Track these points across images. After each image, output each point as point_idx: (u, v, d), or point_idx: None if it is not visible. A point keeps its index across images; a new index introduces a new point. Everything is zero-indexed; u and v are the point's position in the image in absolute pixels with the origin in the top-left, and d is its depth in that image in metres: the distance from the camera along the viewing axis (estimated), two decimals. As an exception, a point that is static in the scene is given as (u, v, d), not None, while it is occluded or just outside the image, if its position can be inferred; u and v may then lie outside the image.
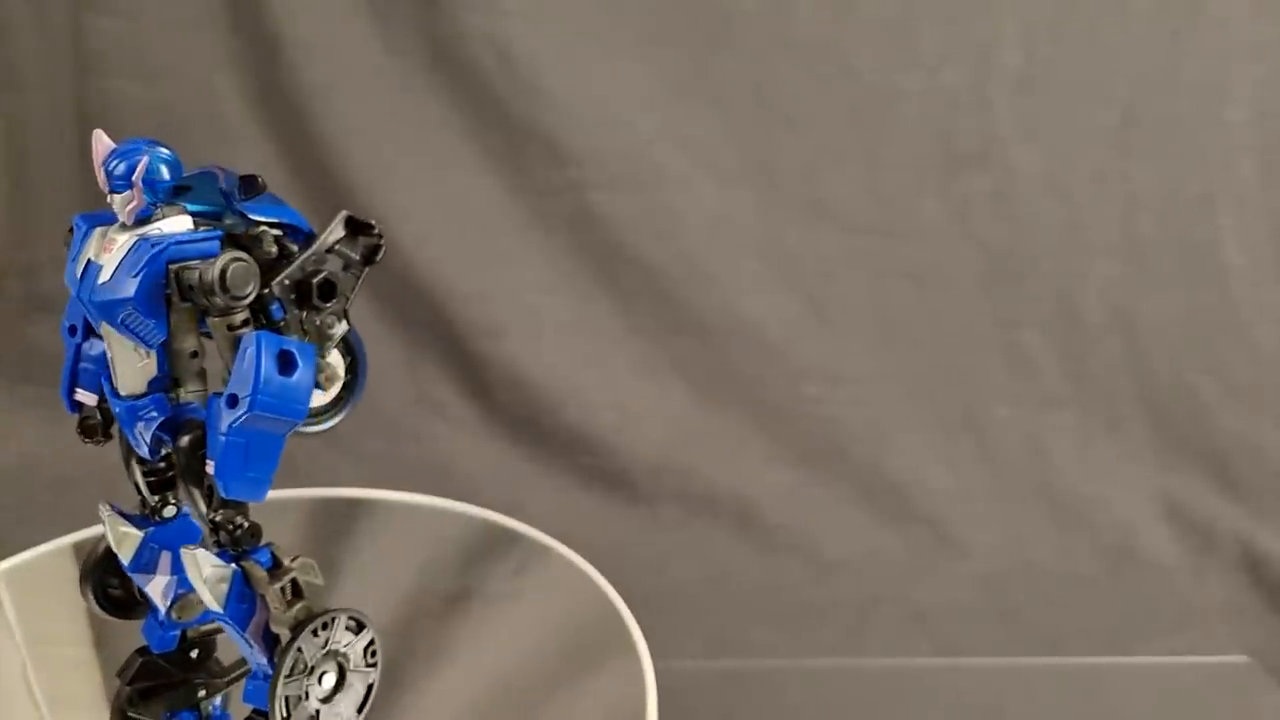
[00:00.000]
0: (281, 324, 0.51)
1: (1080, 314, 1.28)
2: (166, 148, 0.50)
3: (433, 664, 0.69)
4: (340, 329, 0.53)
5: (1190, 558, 1.23)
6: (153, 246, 0.48)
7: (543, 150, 1.24)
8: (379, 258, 0.53)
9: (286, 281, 0.51)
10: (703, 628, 1.11)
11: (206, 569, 0.51)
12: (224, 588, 0.51)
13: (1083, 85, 1.24)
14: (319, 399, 0.53)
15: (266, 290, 0.50)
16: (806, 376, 1.28)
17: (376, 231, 0.53)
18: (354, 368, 0.55)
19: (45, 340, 1.27)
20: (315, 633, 0.51)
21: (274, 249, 0.51)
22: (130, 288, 0.48)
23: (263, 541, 0.51)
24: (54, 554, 0.76)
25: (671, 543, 1.22)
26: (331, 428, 0.55)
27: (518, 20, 1.20)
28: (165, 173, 0.49)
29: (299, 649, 0.51)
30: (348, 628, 0.53)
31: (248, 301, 0.49)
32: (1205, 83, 1.23)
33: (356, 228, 0.53)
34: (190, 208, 0.51)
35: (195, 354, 0.51)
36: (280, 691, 0.51)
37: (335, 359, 0.54)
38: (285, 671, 0.51)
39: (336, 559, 0.78)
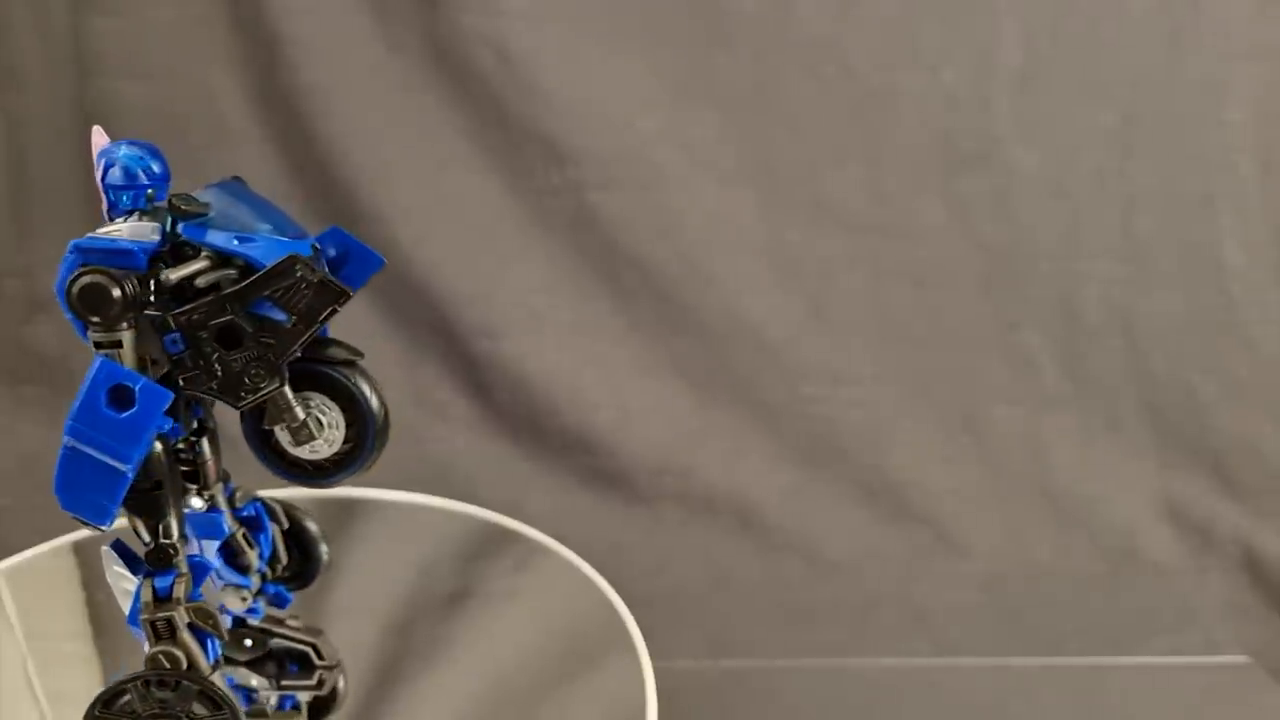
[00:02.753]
0: (180, 358, 0.47)
1: (1080, 314, 1.28)
2: (151, 151, 0.48)
3: (431, 664, 0.69)
4: (269, 386, 0.47)
5: (1190, 558, 1.23)
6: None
7: (542, 150, 1.24)
8: (323, 319, 0.46)
9: (196, 316, 0.46)
10: (703, 628, 1.11)
11: (113, 571, 0.50)
12: (126, 599, 0.50)
13: (1083, 85, 1.24)
14: (303, 453, 0.50)
15: (161, 318, 0.46)
16: (806, 376, 1.28)
17: (308, 286, 0.46)
18: (359, 430, 0.50)
19: (45, 340, 1.27)
20: (150, 684, 0.49)
21: (171, 277, 0.46)
22: (57, 283, 0.47)
23: (176, 567, 0.50)
24: (54, 553, 0.76)
25: (671, 543, 1.22)
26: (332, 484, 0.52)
27: (517, 20, 1.20)
28: (141, 176, 0.48)
29: (123, 691, 0.49)
30: (200, 702, 0.50)
31: (110, 323, 0.46)
32: (1205, 83, 1.23)
33: (281, 279, 0.46)
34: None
35: (154, 362, 0.48)
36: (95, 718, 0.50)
37: (332, 417, 0.50)
38: (101, 704, 0.50)
39: (336, 559, 0.78)
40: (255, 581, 0.59)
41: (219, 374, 0.47)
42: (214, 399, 0.48)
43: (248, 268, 0.47)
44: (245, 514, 0.58)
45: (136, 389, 0.45)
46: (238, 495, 0.58)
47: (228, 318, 0.46)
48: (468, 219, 1.26)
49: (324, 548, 0.63)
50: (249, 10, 1.20)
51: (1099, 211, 1.26)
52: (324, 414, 0.50)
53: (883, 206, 1.26)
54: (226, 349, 0.46)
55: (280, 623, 0.61)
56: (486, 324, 1.27)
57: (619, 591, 0.70)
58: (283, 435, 0.51)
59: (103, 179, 0.48)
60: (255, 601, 0.60)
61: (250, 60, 1.22)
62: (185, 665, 0.49)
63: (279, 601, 0.62)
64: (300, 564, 0.63)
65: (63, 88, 1.23)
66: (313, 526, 0.63)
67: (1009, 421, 1.28)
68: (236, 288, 0.46)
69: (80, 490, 0.46)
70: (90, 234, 0.47)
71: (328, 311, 0.46)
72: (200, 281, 0.46)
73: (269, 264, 0.46)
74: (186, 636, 0.49)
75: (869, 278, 1.27)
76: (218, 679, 0.50)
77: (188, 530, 0.57)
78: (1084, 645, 1.10)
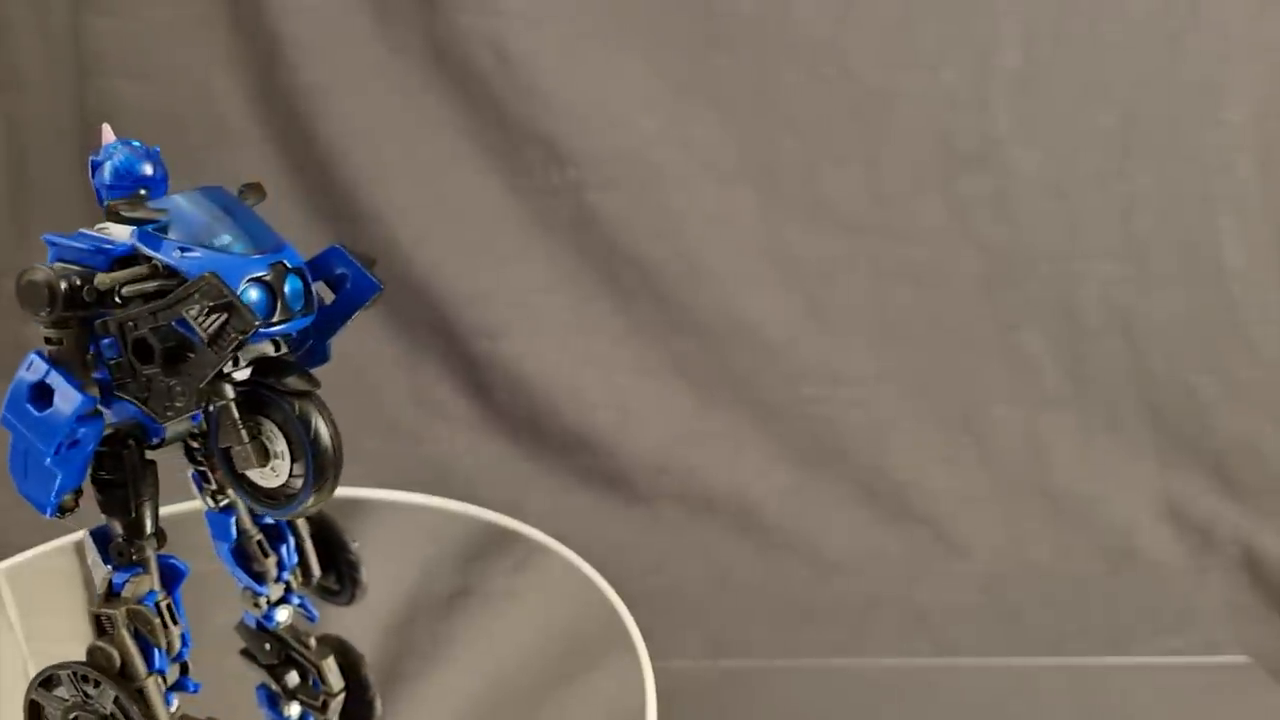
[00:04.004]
0: (115, 364, 0.46)
1: (1080, 314, 1.28)
2: (144, 152, 0.48)
3: (431, 663, 0.69)
4: (186, 406, 0.45)
5: (1190, 558, 1.23)
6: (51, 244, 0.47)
7: (542, 150, 1.24)
8: (227, 345, 0.43)
9: (131, 324, 0.45)
10: (703, 628, 1.11)
11: (91, 557, 0.50)
12: (99, 586, 0.50)
13: (1082, 86, 1.24)
14: (255, 477, 0.47)
15: (100, 323, 0.46)
16: (806, 376, 1.28)
17: (216, 310, 0.42)
18: (304, 464, 0.46)
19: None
20: (78, 677, 0.49)
21: (104, 282, 0.45)
22: None
23: (139, 566, 0.49)
24: (54, 554, 0.76)
25: (671, 543, 1.22)
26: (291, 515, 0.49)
27: (517, 20, 1.20)
28: (129, 178, 0.47)
29: (54, 676, 0.50)
30: (117, 706, 0.49)
31: (51, 320, 0.46)
32: (1205, 83, 1.23)
33: (188, 301, 0.43)
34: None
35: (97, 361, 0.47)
36: (28, 697, 0.51)
37: (279, 447, 0.47)
38: (38, 683, 0.50)
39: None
40: (275, 590, 0.59)
41: (148, 385, 0.45)
42: (141, 409, 0.46)
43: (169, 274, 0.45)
44: (265, 521, 0.58)
45: (59, 388, 0.45)
46: None
47: (140, 332, 0.44)
48: (468, 219, 1.26)
49: (364, 571, 0.63)
50: (249, 10, 1.20)
51: (1099, 211, 1.26)
52: (271, 442, 0.47)
53: (883, 206, 1.26)
54: (142, 362, 0.45)
55: (297, 636, 0.61)
56: (486, 324, 1.27)
57: (619, 591, 0.70)
58: None
59: (93, 178, 0.48)
60: (272, 609, 0.60)
61: (250, 60, 1.22)
62: (119, 665, 0.49)
63: (307, 614, 0.61)
64: (338, 581, 0.64)
65: (63, 88, 1.23)
66: (354, 547, 0.63)
67: (1009, 421, 1.28)
68: (148, 305, 0.44)
69: (24, 477, 0.47)
70: (80, 231, 0.47)
71: (231, 338, 0.43)
72: (126, 291, 0.45)
73: (191, 272, 0.44)
74: (124, 636, 0.49)
75: (869, 278, 1.27)
76: (152, 686, 0.49)
77: (209, 531, 0.57)
78: (1084, 645, 1.10)
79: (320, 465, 0.46)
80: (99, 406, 0.47)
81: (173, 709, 0.51)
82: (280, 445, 0.46)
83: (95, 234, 0.47)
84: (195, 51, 1.22)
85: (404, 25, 1.22)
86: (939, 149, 1.25)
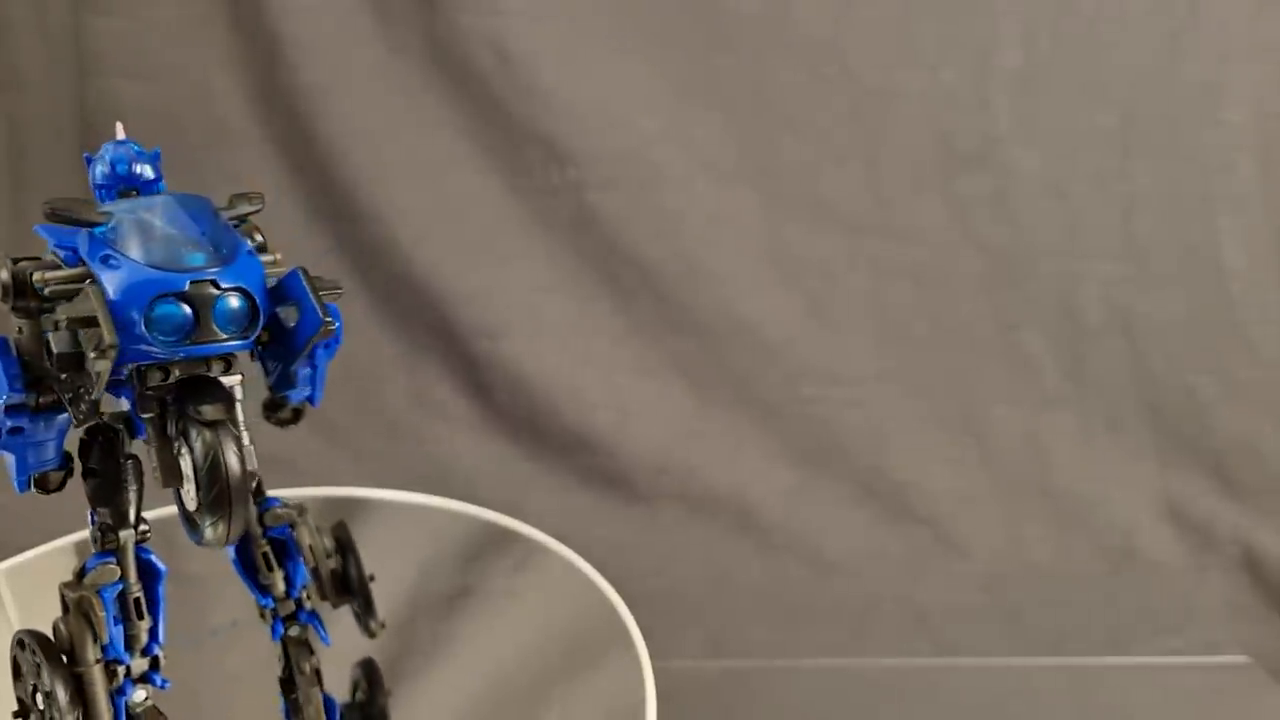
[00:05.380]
0: (55, 360, 0.45)
1: (1080, 314, 1.28)
2: (140, 152, 0.48)
3: (431, 663, 0.69)
4: (89, 412, 0.45)
5: (1190, 558, 1.23)
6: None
7: (542, 150, 1.24)
8: (95, 363, 0.41)
9: (63, 322, 0.44)
10: (703, 628, 1.11)
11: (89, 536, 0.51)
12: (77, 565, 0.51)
13: (1082, 85, 1.24)
14: (183, 495, 0.46)
15: (43, 318, 0.46)
16: (806, 376, 1.28)
17: (94, 332, 0.41)
18: (204, 493, 0.43)
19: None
20: (27, 647, 0.50)
21: (39, 280, 0.45)
22: None
23: (112, 554, 0.49)
24: (54, 554, 0.76)
25: (671, 543, 1.22)
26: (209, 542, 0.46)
27: (517, 20, 1.20)
28: (119, 177, 0.48)
29: (22, 640, 0.50)
30: (48, 683, 0.49)
31: (10, 310, 0.46)
32: (1204, 83, 1.23)
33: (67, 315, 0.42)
34: None
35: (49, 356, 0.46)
36: (11, 652, 0.52)
37: (189, 471, 0.44)
38: (17, 642, 0.51)
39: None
40: (285, 606, 0.59)
41: (71, 385, 0.45)
42: (66, 407, 0.46)
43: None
44: (273, 534, 0.58)
45: None
46: (269, 515, 0.57)
47: (47, 333, 0.44)
48: (468, 219, 1.26)
49: (378, 609, 0.64)
50: (249, 10, 1.20)
51: (1099, 211, 1.26)
52: (185, 465, 0.45)
53: (883, 206, 1.26)
54: (48, 363, 0.44)
55: (300, 657, 0.60)
56: (486, 324, 1.27)
57: (619, 591, 0.70)
58: None
59: (90, 175, 0.48)
60: (277, 622, 0.60)
61: (250, 60, 1.22)
62: (69, 644, 0.49)
63: (319, 635, 0.61)
64: (360, 609, 0.64)
65: (63, 88, 1.23)
66: (371, 585, 0.64)
67: (1009, 421, 1.28)
68: (67, 308, 0.43)
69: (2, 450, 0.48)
70: None
71: (93, 357, 0.41)
72: (48, 291, 0.44)
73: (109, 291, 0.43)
74: (75, 619, 0.49)
75: (869, 278, 1.27)
76: (96, 674, 0.49)
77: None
78: (1084, 645, 1.10)
79: (215, 498, 0.43)
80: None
81: (136, 699, 0.51)
82: (189, 470, 0.44)
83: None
84: (195, 51, 1.22)
85: (404, 25, 1.22)
86: (939, 149, 1.25)
